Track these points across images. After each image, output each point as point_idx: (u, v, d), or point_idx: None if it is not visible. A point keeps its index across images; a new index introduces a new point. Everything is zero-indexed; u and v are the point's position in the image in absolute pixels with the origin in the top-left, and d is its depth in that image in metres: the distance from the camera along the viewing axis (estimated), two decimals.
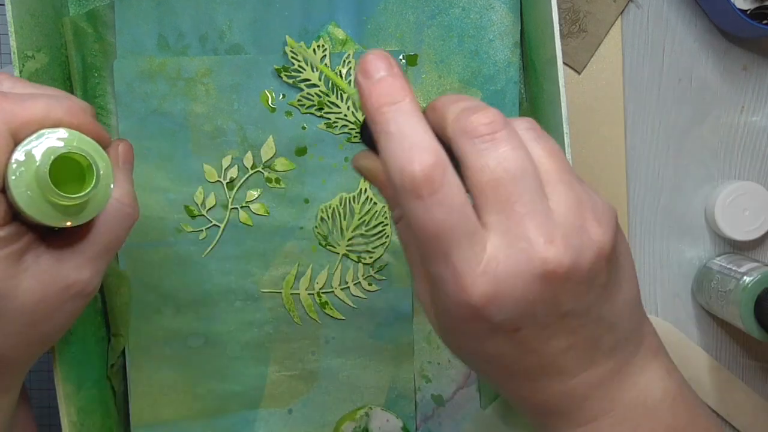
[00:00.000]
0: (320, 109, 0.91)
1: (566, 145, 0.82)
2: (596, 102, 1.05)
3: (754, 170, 1.06)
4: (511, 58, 0.93)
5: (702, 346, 1.06)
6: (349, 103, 0.91)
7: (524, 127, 0.59)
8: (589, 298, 0.58)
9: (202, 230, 0.91)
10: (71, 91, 0.90)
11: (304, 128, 0.92)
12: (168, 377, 0.92)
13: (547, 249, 0.55)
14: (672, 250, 1.06)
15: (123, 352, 0.92)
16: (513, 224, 0.55)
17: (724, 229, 1.02)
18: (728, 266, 1.00)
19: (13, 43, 0.78)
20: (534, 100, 0.93)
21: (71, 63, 0.89)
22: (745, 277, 0.95)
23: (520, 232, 0.55)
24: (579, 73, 1.05)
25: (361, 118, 0.91)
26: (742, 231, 1.02)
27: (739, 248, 1.07)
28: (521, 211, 0.55)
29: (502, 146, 0.55)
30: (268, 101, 0.91)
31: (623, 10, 1.04)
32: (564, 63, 1.04)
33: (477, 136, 0.56)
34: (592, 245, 0.56)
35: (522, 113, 0.94)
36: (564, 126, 0.82)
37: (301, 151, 0.92)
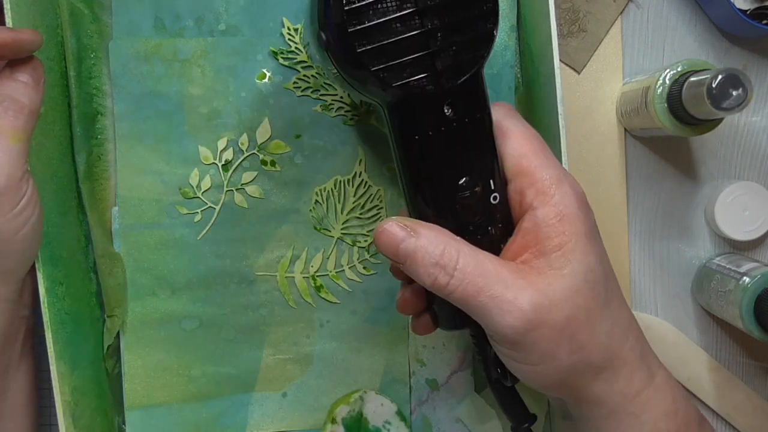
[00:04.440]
0: (316, 91, 0.91)
1: (561, 127, 0.82)
2: (596, 102, 1.05)
3: (754, 170, 1.06)
4: (507, 42, 0.93)
5: (702, 346, 1.06)
6: None
7: None
8: None
9: (197, 212, 0.91)
10: (65, 71, 0.90)
11: (300, 111, 0.92)
12: (162, 359, 0.92)
13: None
14: (672, 250, 1.06)
15: (118, 334, 0.92)
16: None
17: (724, 229, 1.02)
18: (728, 266, 0.99)
19: (8, 21, 0.78)
20: (530, 83, 0.93)
21: (66, 43, 0.89)
22: (745, 277, 0.94)
23: None
24: (579, 73, 1.05)
25: (357, 101, 0.92)
26: (742, 231, 1.02)
27: (739, 248, 1.06)
28: None
29: None
30: (263, 84, 0.91)
31: (623, 10, 1.04)
32: (564, 63, 1.04)
33: None
34: None
35: (518, 97, 0.95)
36: (558, 107, 0.82)
37: (297, 134, 0.92)
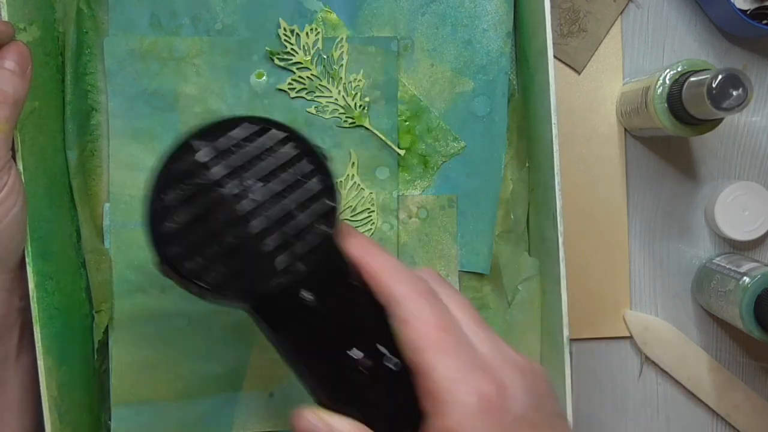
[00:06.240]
0: (311, 93, 0.91)
1: (553, 135, 0.82)
2: (596, 102, 1.05)
3: (754, 170, 1.06)
4: (503, 48, 0.93)
5: (702, 346, 1.06)
6: (340, 87, 0.91)
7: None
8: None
9: None
10: (63, 66, 0.90)
11: (293, 112, 0.92)
12: (150, 356, 0.92)
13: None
14: (672, 250, 1.06)
15: (106, 330, 0.92)
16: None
17: (724, 229, 1.02)
18: (728, 266, 0.99)
19: (4, 14, 0.78)
20: (525, 91, 0.93)
21: (67, 40, 0.89)
22: (745, 277, 0.94)
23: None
24: (579, 73, 1.05)
25: (351, 104, 0.91)
26: (742, 231, 1.02)
27: (739, 248, 1.06)
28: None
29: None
30: (258, 84, 0.91)
31: (623, 9, 1.04)
32: (564, 63, 1.04)
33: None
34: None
35: (513, 105, 0.94)
36: (552, 116, 0.82)
37: None
